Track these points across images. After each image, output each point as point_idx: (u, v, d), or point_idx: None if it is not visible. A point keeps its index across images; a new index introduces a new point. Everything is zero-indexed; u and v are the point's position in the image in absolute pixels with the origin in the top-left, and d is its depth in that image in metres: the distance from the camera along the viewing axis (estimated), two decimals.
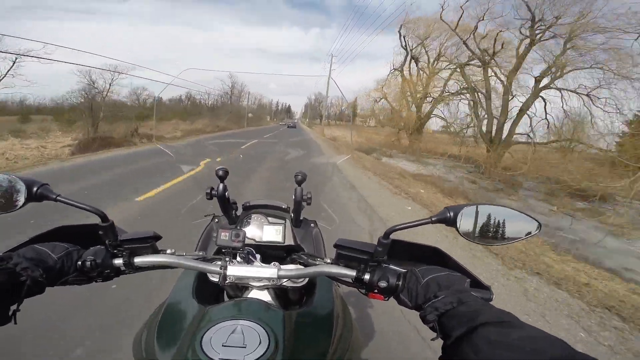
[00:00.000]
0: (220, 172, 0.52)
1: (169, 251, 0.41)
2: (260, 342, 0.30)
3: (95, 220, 0.38)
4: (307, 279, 0.47)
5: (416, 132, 12.29)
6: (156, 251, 0.41)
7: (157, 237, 0.41)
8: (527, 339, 0.25)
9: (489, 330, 0.27)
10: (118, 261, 0.39)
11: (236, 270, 0.40)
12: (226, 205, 0.57)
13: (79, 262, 0.37)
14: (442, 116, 12.11)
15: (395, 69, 13.87)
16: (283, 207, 0.62)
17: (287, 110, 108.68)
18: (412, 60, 13.10)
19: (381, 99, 14.68)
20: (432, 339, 0.31)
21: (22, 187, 0.36)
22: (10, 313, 0.31)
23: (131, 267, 0.40)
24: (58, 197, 0.36)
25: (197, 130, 11.28)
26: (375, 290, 0.38)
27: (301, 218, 0.62)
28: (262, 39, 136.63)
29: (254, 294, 0.43)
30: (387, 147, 11.83)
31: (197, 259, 0.41)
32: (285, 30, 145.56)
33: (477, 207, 0.36)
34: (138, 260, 0.39)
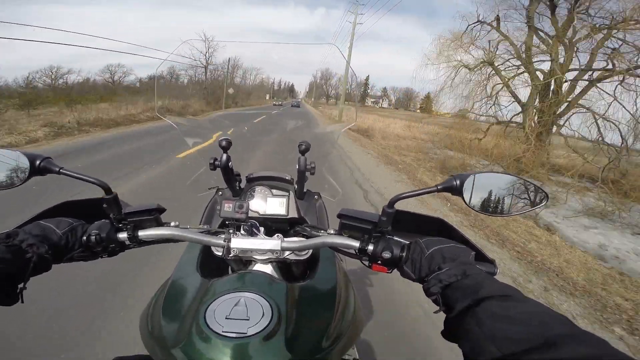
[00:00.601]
0: (224, 143, 0.56)
1: (172, 224, 0.46)
2: (263, 314, 0.34)
3: (100, 194, 0.42)
4: (310, 252, 0.53)
5: (544, 131, 6.32)
6: (160, 224, 0.46)
7: (161, 210, 0.46)
8: (531, 314, 0.27)
9: (493, 304, 0.29)
10: (122, 235, 0.44)
11: (240, 242, 0.45)
12: (230, 176, 0.62)
13: (84, 238, 0.41)
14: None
15: (483, 22, 7.17)
16: (287, 178, 0.68)
17: (290, 89, 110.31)
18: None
19: (462, 66, 7.41)
20: (435, 312, 0.34)
21: (25, 161, 0.40)
22: (17, 291, 0.34)
23: (135, 241, 0.44)
24: (61, 170, 0.40)
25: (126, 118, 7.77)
26: (379, 262, 0.42)
27: (305, 190, 0.67)
28: (267, 20, 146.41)
29: (258, 267, 0.48)
30: (458, 150, 6.97)
31: (201, 232, 0.46)
32: (291, 10, 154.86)
33: (484, 176, 0.39)
34: (142, 233, 0.44)
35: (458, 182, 0.38)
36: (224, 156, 0.57)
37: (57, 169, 0.40)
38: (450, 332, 0.33)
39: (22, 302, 0.35)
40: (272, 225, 0.63)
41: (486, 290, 0.31)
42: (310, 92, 72.72)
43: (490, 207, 0.39)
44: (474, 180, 0.38)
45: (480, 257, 0.40)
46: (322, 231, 0.51)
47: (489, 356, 0.27)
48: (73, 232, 0.41)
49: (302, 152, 0.58)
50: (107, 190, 0.41)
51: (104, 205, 0.42)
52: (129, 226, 0.44)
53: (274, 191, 0.66)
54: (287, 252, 0.47)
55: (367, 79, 78.11)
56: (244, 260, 0.51)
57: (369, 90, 78.59)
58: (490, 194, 0.39)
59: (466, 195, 0.38)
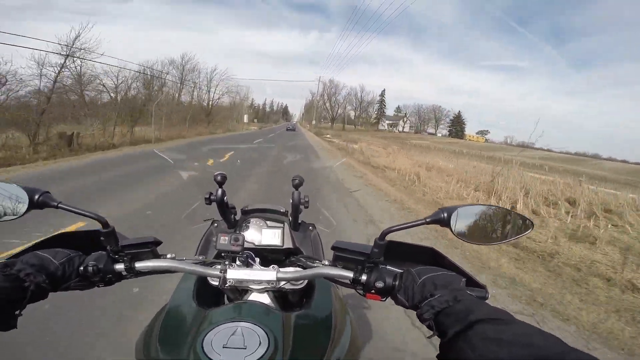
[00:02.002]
0: (219, 178, 0.74)
1: (169, 256, 0.60)
2: (260, 344, 0.43)
3: (96, 226, 0.54)
4: (306, 281, 0.66)
5: None
6: (157, 256, 0.59)
7: (158, 243, 0.60)
8: (522, 336, 0.35)
9: (484, 327, 0.38)
10: (119, 266, 0.56)
11: (236, 273, 0.58)
12: (225, 209, 0.79)
13: (81, 268, 0.53)
14: None
15: None
16: (281, 210, 0.86)
17: (284, 111, 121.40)
18: None
19: None
20: (429, 337, 0.45)
21: (24, 195, 0.51)
22: (13, 317, 0.44)
23: (132, 272, 0.57)
24: (59, 205, 0.52)
25: None
26: (373, 291, 0.56)
27: (299, 221, 0.84)
28: (260, 42, 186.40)
29: (254, 296, 0.62)
30: None
31: (197, 263, 0.61)
32: (284, 33, 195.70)
33: (470, 208, 0.54)
34: (139, 265, 0.57)
35: (445, 214, 0.52)
36: (219, 191, 0.75)
37: (56, 204, 0.52)
38: (445, 356, 0.42)
39: (16, 327, 0.45)
40: (268, 256, 0.79)
41: (477, 314, 0.40)
42: (308, 113, 74.20)
43: (476, 236, 0.54)
44: (460, 212, 0.52)
45: (472, 282, 0.54)
46: (317, 262, 0.66)
47: None
48: (70, 263, 0.53)
49: (296, 187, 0.75)
50: (105, 224, 0.54)
51: (101, 238, 0.55)
52: (125, 258, 0.57)
53: (269, 222, 0.84)
54: (282, 282, 0.61)
55: (382, 93, 79.67)
56: (240, 290, 0.65)
57: (384, 109, 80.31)
58: (476, 224, 0.54)
59: (454, 227, 0.52)
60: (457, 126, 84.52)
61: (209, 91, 31.39)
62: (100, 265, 0.54)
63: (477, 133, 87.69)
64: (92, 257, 0.55)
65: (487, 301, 0.48)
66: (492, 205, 0.56)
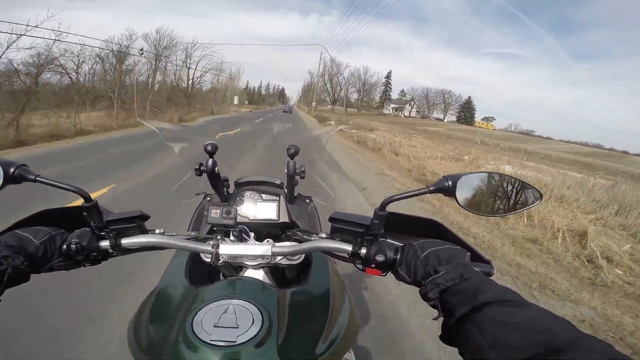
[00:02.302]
0: (209, 147, 0.73)
1: (157, 231, 0.60)
2: (253, 322, 0.44)
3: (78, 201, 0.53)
4: (303, 256, 0.67)
5: None
6: (144, 231, 0.59)
7: (145, 217, 0.59)
8: (533, 320, 0.35)
9: (495, 310, 0.37)
10: (105, 243, 0.56)
11: (229, 248, 0.58)
12: (216, 181, 0.79)
13: (64, 246, 0.52)
14: None
15: None
16: (277, 182, 0.86)
17: (281, 94, 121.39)
18: None
19: None
20: (434, 318, 0.44)
21: None
22: None
23: (119, 249, 0.57)
24: (37, 178, 0.50)
25: None
26: (373, 265, 0.56)
27: (296, 194, 0.85)
28: (258, 26, 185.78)
29: (249, 273, 0.63)
30: None
31: (188, 239, 0.61)
32: (282, 17, 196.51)
33: (476, 176, 0.53)
34: (126, 241, 0.57)
35: (450, 182, 0.51)
36: (210, 161, 0.74)
37: (33, 177, 0.50)
38: (449, 337, 0.42)
39: None
40: (263, 230, 0.79)
41: (486, 295, 0.39)
42: (306, 95, 72.34)
43: (482, 207, 0.54)
44: (465, 181, 0.51)
45: (476, 257, 0.54)
46: (314, 235, 0.66)
47: None
48: (52, 242, 0.52)
49: (291, 156, 0.75)
50: (87, 198, 0.53)
51: (84, 214, 0.54)
52: (111, 234, 0.56)
53: (264, 196, 0.84)
54: (278, 257, 0.62)
55: (388, 75, 78.47)
56: (235, 267, 0.66)
57: (389, 92, 79.16)
58: (482, 194, 0.54)
59: (459, 196, 0.51)
60: (466, 112, 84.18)
61: (188, 68, 27.30)
62: (83, 242, 0.54)
63: (482, 120, 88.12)
64: (75, 235, 0.55)
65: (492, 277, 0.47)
66: (499, 173, 0.56)
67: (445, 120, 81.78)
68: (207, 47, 28.44)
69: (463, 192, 0.52)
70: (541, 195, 0.54)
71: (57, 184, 0.51)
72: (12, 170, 0.50)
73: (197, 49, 27.86)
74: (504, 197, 0.54)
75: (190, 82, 27.51)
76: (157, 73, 23.46)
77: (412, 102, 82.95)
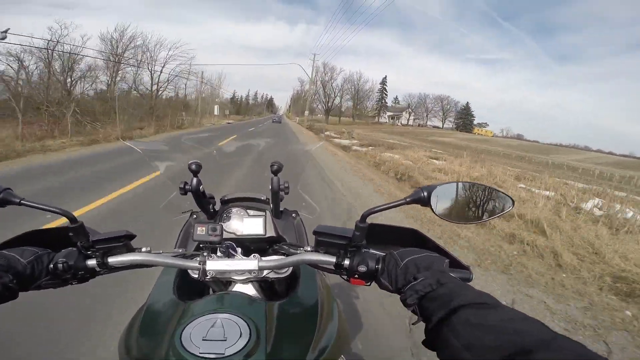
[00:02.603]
0: (193, 166, 0.78)
1: (144, 249, 0.65)
2: (241, 335, 0.48)
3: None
4: (290, 269, 0.72)
5: None
6: (130, 250, 0.64)
7: (131, 236, 0.64)
8: (506, 321, 0.38)
9: (469, 313, 0.41)
10: (91, 262, 0.60)
11: (216, 264, 0.63)
12: (202, 199, 0.85)
13: (51, 266, 0.57)
14: None
15: None
16: (262, 198, 0.92)
17: (269, 103, 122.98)
18: None
19: None
20: (413, 323, 0.49)
21: None
22: None
23: (106, 267, 0.61)
24: (22, 201, 0.54)
25: None
26: (356, 276, 0.61)
27: (282, 209, 0.91)
28: (246, 36, 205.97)
29: (238, 288, 0.68)
30: None
31: (175, 256, 0.66)
32: (270, 26, 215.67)
33: (450, 186, 0.59)
34: (112, 260, 0.61)
35: (425, 193, 0.56)
36: (194, 180, 0.80)
37: (18, 200, 0.55)
38: (430, 342, 0.46)
39: None
40: (251, 245, 0.85)
41: (460, 299, 0.43)
42: (296, 103, 71.74)
43: (457, 215, 0.59)
44: (440, 191, 0.56)
45: (455, 264, 0.59)
46: (300, 249, 0.72)
47: None
48: (39, 261, 0.57)
49: (275, 173, 0.81)
50: (72, 219, 0.57)
51: (70, 234, 0.58)
52: (97, 253, 0.61)
53: (250, 211, 0.91)
54: (265, 271, 0.67)
55: (383, 81, 77.79)
56: (224, 282, 0.70)
57: (385, 99, 78.79)
58: (457, 203, 0.59)
59: (434, 206, 0.56)
60: (464, 118, 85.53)
61: (151, 74, 23.27)
62: (70, 261, 0.58)
63: (475, 125, 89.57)
64: (62, 254, 0.59)
65: (470, 283, 0.52)
66: (473, 182, 0.62)
67: (443, 128, 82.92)
68: (176, 47, 24.40)
69: (438, 202, 0.57)
70: (513, 202, 0.60)
71: (42, 206, 0.55)
72: None
73: (166, 49, 24.13)
74: (478, 204, 0.60)
75: (155, 87, 23.31)
76: (117, 78, 20.66)
77: (409, 109, 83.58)
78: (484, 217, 0.60)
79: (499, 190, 0.61)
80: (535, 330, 0.37)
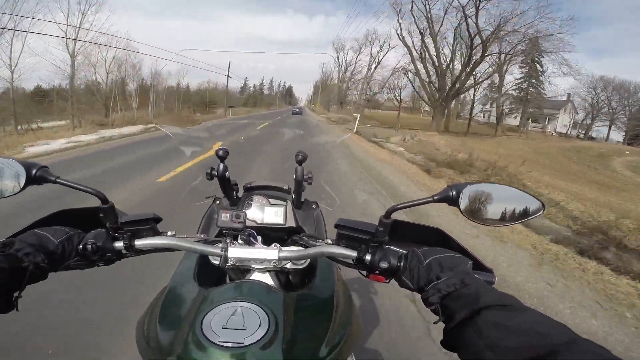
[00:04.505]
0: (221, 152, 0.92)
1: (169, 233, 0.77)
2: (260, 324, 0.56)
3: (96, 202, 0.69)
4: (308, 261, 0.84)
5: None
6: (157, 233, 0.76)
7: (158, 219, 0.77)
8: (531, 323, 0.45)
9: (493, 314, 0.48)
10: (119, 244, 0.71)
11: (237, 252, 0.74)
12: (227, 186, 1.00)
13: (80, 246, 0.67)
14: None
15: None
16: (284, 188, 1.09)
17: (287, 93, 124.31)
18: None
19: None
20: (435, 322, 0.57)
21: (21, 170, 0.64)
22: (12, 300, 0.55)
23: (132, 250, 0.72)
24: (57, 179, 0.64)
25: None
26: (377, 272, 0.71)
27: (302, 199, 1.05)
28: (265, 28, 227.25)
29: (255, 276, 0.80)
30: None
31: (198, 241, 0.78)
32: (289, 19, 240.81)
33: (480, 186, 0.68)
34: (139, 242, 0.73)
35: (454, 192, 0.65)
36: (221, 166, 0.94)
37: (54, 178, 0.65)
38: (449, 342, 0.54)
39: (17, 310, 0.57)
40: (270, 234, 1.00)
41: (485, 300, 0.51)
42: (318, 94, 66.96)
43: (485, 216, 0.68)
44: (469, 191, 0.66)
45: (478, 266, 0.69)
46: (319, 240, 0.84)
47: None
48: (69, 241, 0.67)
49: (299, 162, 0.94)
50: (104, 200, 0.68)
51: (100, 215, 0.69)
52: (125, 235, 0.72)
53: (272, 200, 1.06)
54: (284, 261, 0.79)
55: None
56: (242, 269, 0.83)
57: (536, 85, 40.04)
58: (485, 204, 0.68)
59: (462, 206, 0.65)
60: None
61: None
62: (99, 243, 0.70)
63: None
64: (91, 235, 0.71)
65: (494, 286, 0.60)
66: (503, 185, 0.71)
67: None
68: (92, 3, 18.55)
69: (467, 202, 0.67)
70: (544, 206, 0.69)
71: (76, 185, 0.66)
72: (34, 171, 0.65)
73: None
74: (508, 207, 0.69)
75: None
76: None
77: (569, 105, 51.40)
78: (513, 220, 0.69)
79: (529, 194, 0.70)
80: (559, 333, 0.43)
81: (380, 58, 44.81)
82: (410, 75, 34.87)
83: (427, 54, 31.11)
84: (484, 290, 0.55)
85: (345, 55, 47.45)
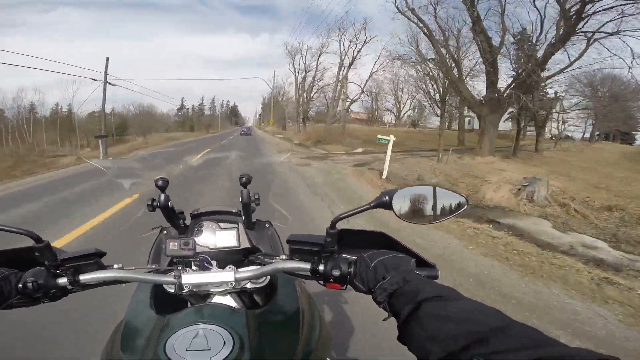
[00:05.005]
0: (160, 182, 0.96)
1: (116, 266, 0.80)
2: (224, 343, 0.60)
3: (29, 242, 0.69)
4: (268, 278, 0.91)
5: None
6: (102, 267, 0.79)
7: (101, 254, 0.79)
8: (466, 311, 0.51)
9: (432, 305, 0.54)
10: (62, 280, 0.74)
11: (192, 278, 0.78)
12: (171, 215, 1.05)
13: (20, 285, 0.69)
14: None
15: None
16: (233, 211, 1.15)
17: (233, 113, 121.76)
18: None
19: None
20: (384, 319, 0.65)
21: None
22: None
23: (78, 285, 0.75)
24: None
25: None
26: (331, 280, 0.77)
27: (254, 220, 1.12)
28: (207, 48, 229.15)
29: (216, 299, 0.85)
30: None
31: (149, 272, 0.83)
32: (232, 38, 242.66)
33: (410, 189, 0.79)
34: (84, 277, 0.75)
35: (387, 197, 0.74)
36: (162, 196, 0.98)
37: None
38: (401, 337, 0.59)
39: None
40: (226, 258, 1.04)
41: (424, 293, 0.58)
42: (270, 110, 59.45)
43: (417, 216, 0.80)
44: (401, 195, 0.76)
45: (421, 263, 0.78)
46: (275, 258, 0.91)
47: (435, 357, 0.48)
48: (6, 281, 0.70)
49: (244, 185, 1.01)
50: (37, 239, 0.70)
51: (37, 254, 0.72)
52: (68, 272, 0.75)
53: (222, 224, 1.12)
54: (243, 282, 0.84)
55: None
56: (201, 295, 0.87)
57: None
58: (416, 205, 0.80)
59: (396, 209, 0.76)
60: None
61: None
62: (40, 280, 0.72)
63: None
64: (29, 274, 0.73)
65: (437, 280, 0.69)
66: (430, 185, 0.82)
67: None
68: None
69: (399, 205, 0.78)
70: (467, 201, 0.81)
71: (3, 227, 0.68)
72: None
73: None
74: (436, 205, 0.80)
75: None
76: None
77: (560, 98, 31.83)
78: (442, 217, 0.81)
79: (454, 191, 0.83)
80: (493, 318, 0.49)
81: (356, 52, 33.28)
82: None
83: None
84: (423, 284, 0.62)
85: (304, 58, 39.87)
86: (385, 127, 53.41)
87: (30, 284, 0.71)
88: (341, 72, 33.69)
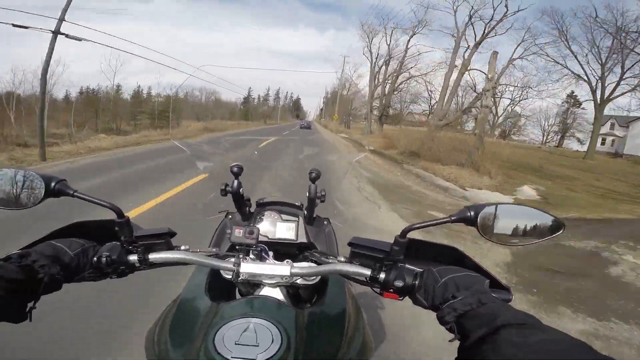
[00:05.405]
0: (235, 169, 1.01)
1: (183, 247, 0.83)
2: (272, 340, 0.60)
3: (111, 215, 0.74)
4: (319, 277, 0.89)
5: None
6: (170, 247, 0.82)
7: (172, 234, 0.82)
8: (550, 342, 0.47)
9: (511, 332, 0.51)
10: (133, 257, 0.78)
11: (249, 267, 0.80)
12: (240, 201, 1.09)
13: (95, 259, 0.73)
14: None
15: None
16: (297, 204, 1.17)
17: (295, 107, 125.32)
18: None
19: None
20: (450, 340, 0.61)
21: (40, 183, 0.70)
22: (26, 310, 0.59)
23: (145, 264, 0.79)
24: (75, 193, 0.71)
25: None
26: (391, 290, 0.76)
27: (314, 216, 1.13)
28: (276, 42, 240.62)
29: (265, 291, 0.85)
30: None
31: (210, 256, 0.84)
32: (301, 32, 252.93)
33: (498, 207, 0.73)
34: (152, 256, 0.79)
35: (472, 213, 0.71)
36: (235, 182, 1.03)
37: (72, 192, 0.71)
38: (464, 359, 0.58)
39: (30, 320, 0.61)
40: (281, 250, 1.06)
41: (503, 318, 0.54)
42: (334, 104, 52.66)
43: (504, 236, 0.73)
44: (487, 212, 0.71)
45: (495, 284, 0.74)
46: (331, 257, 0.90)
47: None
48: (85, 254, 0.73)
49: (313, 180, 1.03)
50: (120, 214, 0.74)
51: (116, 228, 0.76)
52: (139, 249, 0.78)
53: (284, 216, 1.14)
54: (296, 277, 0.84)
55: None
56: (252, 284, 0.89)
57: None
58: (504, 224, 0.73)
59: (480, 226, 0.71)
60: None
61: None
62: (113, 256, 0.75)
63: None
64: (105, 248, 0.77)
65: (510, 303, 0.65)
66: (522, 205, 0.76)
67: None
68: None
69: (484, 222, 0.72)
70: (564, 226, 0.73)
71: (93, 199, 0.72)
72: (53, 184, 0.71)
73: None
74: (526, 227, 0.73)
75: None
76: None
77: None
78: (531, 240, 0.74)
79: (549, 213, 0.74)
80: (579, 352, 0.46)
81: (489, 28, 22.12)
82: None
83: None
84: (502, 308, 0.59)
85: (387, 39, 32.82)
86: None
87: (105, 258, 0.74)
88: (456, 54, 22.59)
